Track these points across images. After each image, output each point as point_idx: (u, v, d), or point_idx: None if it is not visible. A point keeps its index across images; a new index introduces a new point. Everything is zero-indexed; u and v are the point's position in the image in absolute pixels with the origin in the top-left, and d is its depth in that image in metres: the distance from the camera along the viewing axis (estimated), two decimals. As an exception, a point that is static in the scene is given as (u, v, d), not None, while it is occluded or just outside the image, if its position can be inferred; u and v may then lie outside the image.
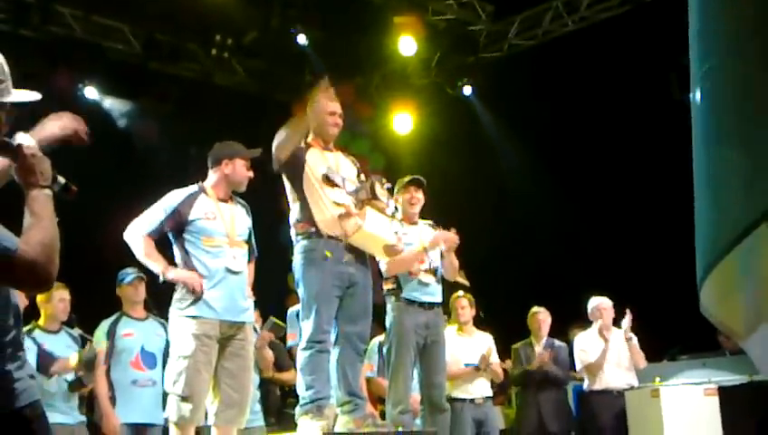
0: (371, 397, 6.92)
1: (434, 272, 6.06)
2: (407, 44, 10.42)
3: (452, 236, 5.95)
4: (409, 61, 10.99)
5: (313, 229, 4.95)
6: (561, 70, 10.22)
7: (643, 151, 9.94)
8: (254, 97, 10.47)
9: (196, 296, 4.63)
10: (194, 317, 4.63)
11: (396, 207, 5.75)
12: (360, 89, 11.37)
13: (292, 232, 5.07)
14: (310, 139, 5.21)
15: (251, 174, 4.96)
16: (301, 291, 4.99)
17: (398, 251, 5.33)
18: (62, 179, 2.41)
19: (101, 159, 8.44)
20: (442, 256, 6.06)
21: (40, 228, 2.27)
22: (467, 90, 11.00)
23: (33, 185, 2.33)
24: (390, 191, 5.40)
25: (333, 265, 4.92)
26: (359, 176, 5.23)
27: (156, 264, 4.74)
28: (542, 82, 10.33)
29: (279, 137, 4.94)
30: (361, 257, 5.12)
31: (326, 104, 5.21)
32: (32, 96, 2.43)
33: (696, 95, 1.78)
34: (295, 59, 10.47)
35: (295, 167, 5.00)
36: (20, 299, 2.49)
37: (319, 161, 5.06)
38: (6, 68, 2.41)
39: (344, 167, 5.20)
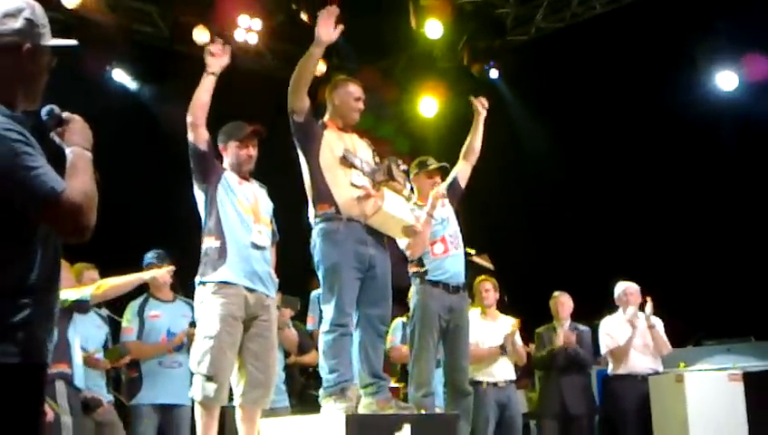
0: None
1: (455, 243, 6.06)
2: (433, 27, 10.38)
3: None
4: (436, 44, 10.95)
5: (333, 210, 4.95)
6: (589, 53, 10.15)
7: (670, 136, 9.89)
8: (280, 80, 10.48)
9: (220, 264, 4.67)
10: (219, 284, 4.65)
11: (412, 188, 5.78)
12: (385, 72, 11.36)
13: (311, 214, 5.07)
14: (326, 118, 5.22)
15: (250, 153, 4.99)
16: (321, 274, 4.98)
17: (416, 232, 5.34)
18: None
19: (128, 141, 8.54)
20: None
21: (83, 180, 2.36)
22: (494, 73, 10.94)
23: (78, 145, 2.44)
24: (407, 173, 5.40)
25: (353, 247, 4.92)
26: (374, 157, 5.24)
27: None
28: (568, 65, 10.27)
29: (291, 82, 4.95)
30: (380, 239, 5.12)
31: (352, 88, 5.23)
32: (70, 42, 2.55)
33: None
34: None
35: (308, 136, 5.00)
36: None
37: (336, 142, 5.07)
38: (45, 16, 2.52)
39: (360, 148, 5.20)
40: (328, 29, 4.88)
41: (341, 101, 5.20)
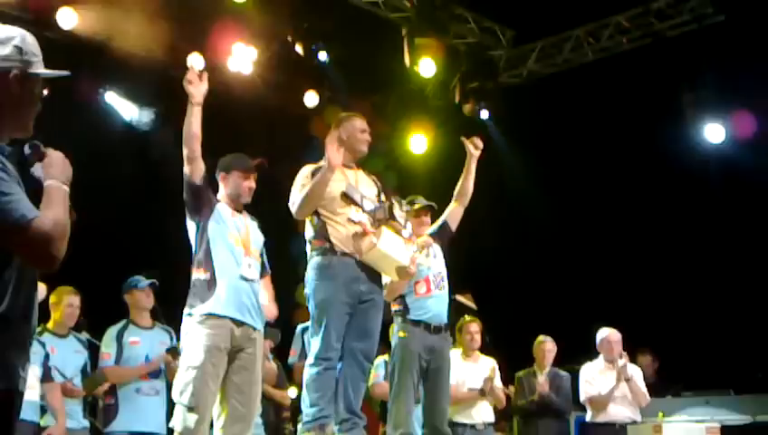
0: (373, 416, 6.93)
1: (439, 285, 6.03)
2: (426, 66, 10.44)
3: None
4: (428, 82, 11.01)
5: (328, 245, 5.02)
6: (579, 99, 10.24)
7: (657, 185, 9.95)
8: (272, 109, 10.52)
9: (208, 296, 4.64)
10: (206, 316, 4.63)
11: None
12: (377, 107, 11.39)
13: (307, 248, 5.13)
14: None
15: (251, 185, 4.96)
16: (311, 306, 5.03)
17: (410, 274, 5.34)
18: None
19: (118, 165, 8.51)
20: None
21: (56, 211, 2.36)
22: (484, 114, 11.01)
23: (55, 178, 2.45)
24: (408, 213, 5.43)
25: (345, 282, 4.97)
26: (378, 195, 5.27)
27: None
28: (559, 110, 10.35)
29: (298, 197, 4.99)
30: (374, 276, 5.15)
31: (358, 121, 5.33)
32: (61, 73, 2.58)
33: None
34: (315, 74, 10.54)
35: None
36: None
37: (338, 178, 5.11)
38: (36, 46, 2.56)
39: (363, 185, 5.25)
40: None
41: (349, 134, 5.27)
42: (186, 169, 4.77)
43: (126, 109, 9.57)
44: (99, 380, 6.14)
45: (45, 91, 2.57)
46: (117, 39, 8.83)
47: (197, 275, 4.74)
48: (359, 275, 5.03)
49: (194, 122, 4.75)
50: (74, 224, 2.45)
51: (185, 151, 4.75)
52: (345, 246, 5.00)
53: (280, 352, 7.37)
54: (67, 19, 8.57)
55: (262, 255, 5.01)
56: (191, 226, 4.84)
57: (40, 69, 2.53)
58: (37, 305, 2.50)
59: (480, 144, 6.18)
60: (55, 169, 2.46)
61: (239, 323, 4.69)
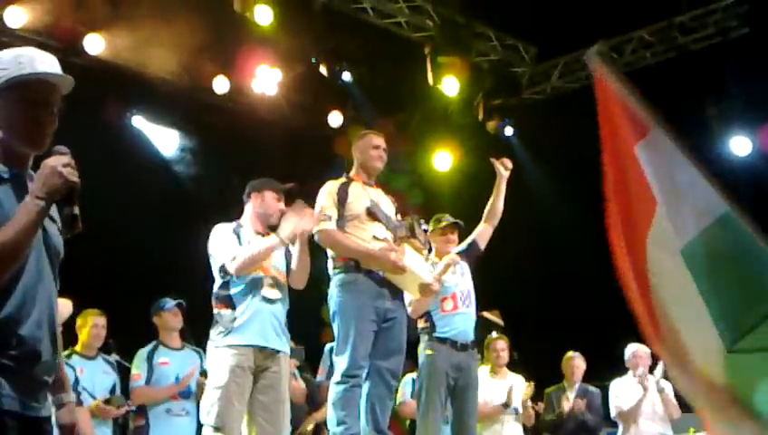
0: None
1: (466, 302, 6.02)
2: (450, 84, 10.48)
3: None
4: (452, 100, 11.04)
5: (352, 262, 5.02)
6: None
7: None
8: (295, 130, 10.58)
9: (230, 328, 4.67)
10: (229, 347, 4.66)
11: (430, 248, 5.80)
12: (401, 125, 11.44)
13: (330, 265, 5.14)
14: (352, 173, 5.31)
15: (281, 206, 4.99)
16: (336, 324, 5.02)
17: (433, 291, 5.34)
18: (76, 210, 2.40)
19: (146, 188, 8.59)
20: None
21: (3, 229, 2.28)
22: (509, 130, 11.02)
23: (32, 192, 2.34)
24: (427, 233, 5.45)
25: (370, 299, 4.98)
26: (396, 214, 5.29)
27: (268, 239, 4.78)
28: (583, 125, 10.28)
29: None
30: (397, 293, 5.16)
31: (371, 138, 5.34)
32: (51, 72, 2.44)
33: None
34: (339, 95, 10.61)
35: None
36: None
37: (361, 195, 5.15)
38: (19, 55, 2.44)
39: (383, 204, 5.27)
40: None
41: (362, 151, 5.31)
42: (234, 270, 4.72)
43: (153, 132, 9.66)
44: (118, 403, 6.17)
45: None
46: (144, 64, 8.96)
47: (218, 309, 4.79)
48: (383, 291, 5.04)
49: (267, 254, 4.77)
50: (79, 236, 2.40)
51: (241, 265, 4.71)
52: (370, 262, 5.02)
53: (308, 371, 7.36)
54: (94, 45, 8.68)
55: (289, 263, 4.97)
56: (214, 264, 4.88)
57: (32, 70, 2.40)
58: (48, 322, 2.42)
59: (509, 165, 6.15)
60: (37, 183, 2.34)
61: (263, 348, 4.73)
